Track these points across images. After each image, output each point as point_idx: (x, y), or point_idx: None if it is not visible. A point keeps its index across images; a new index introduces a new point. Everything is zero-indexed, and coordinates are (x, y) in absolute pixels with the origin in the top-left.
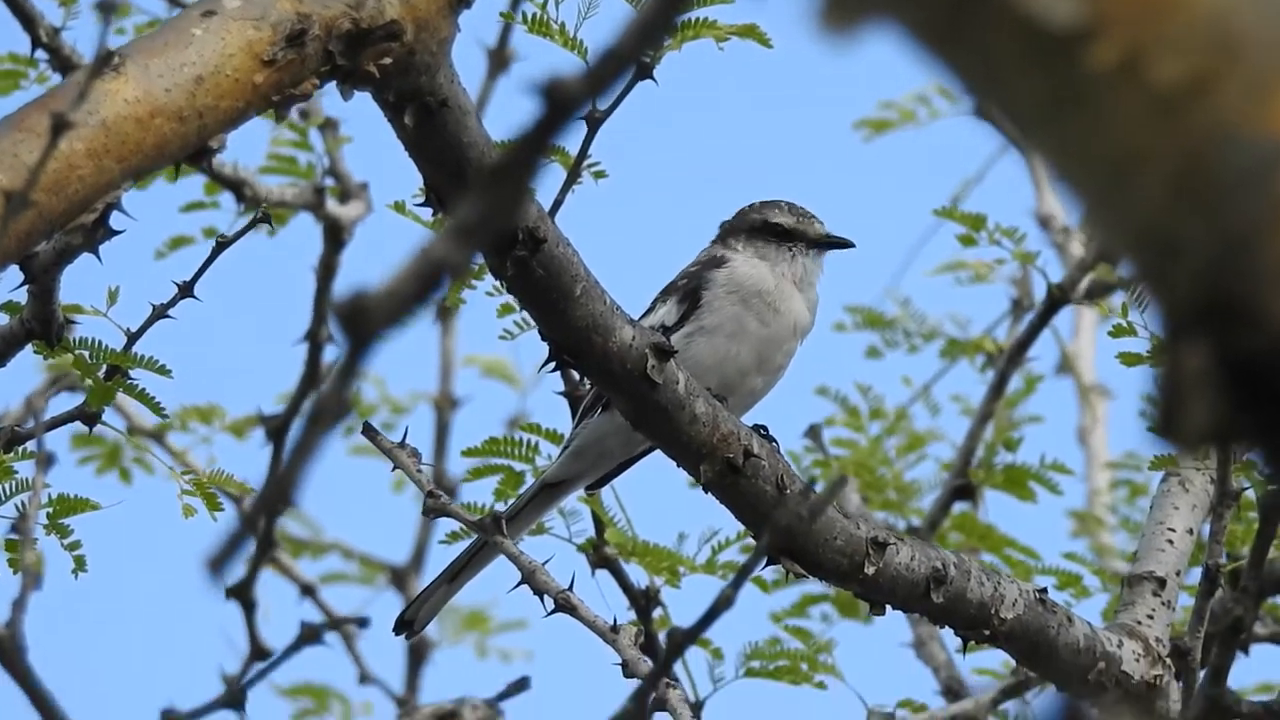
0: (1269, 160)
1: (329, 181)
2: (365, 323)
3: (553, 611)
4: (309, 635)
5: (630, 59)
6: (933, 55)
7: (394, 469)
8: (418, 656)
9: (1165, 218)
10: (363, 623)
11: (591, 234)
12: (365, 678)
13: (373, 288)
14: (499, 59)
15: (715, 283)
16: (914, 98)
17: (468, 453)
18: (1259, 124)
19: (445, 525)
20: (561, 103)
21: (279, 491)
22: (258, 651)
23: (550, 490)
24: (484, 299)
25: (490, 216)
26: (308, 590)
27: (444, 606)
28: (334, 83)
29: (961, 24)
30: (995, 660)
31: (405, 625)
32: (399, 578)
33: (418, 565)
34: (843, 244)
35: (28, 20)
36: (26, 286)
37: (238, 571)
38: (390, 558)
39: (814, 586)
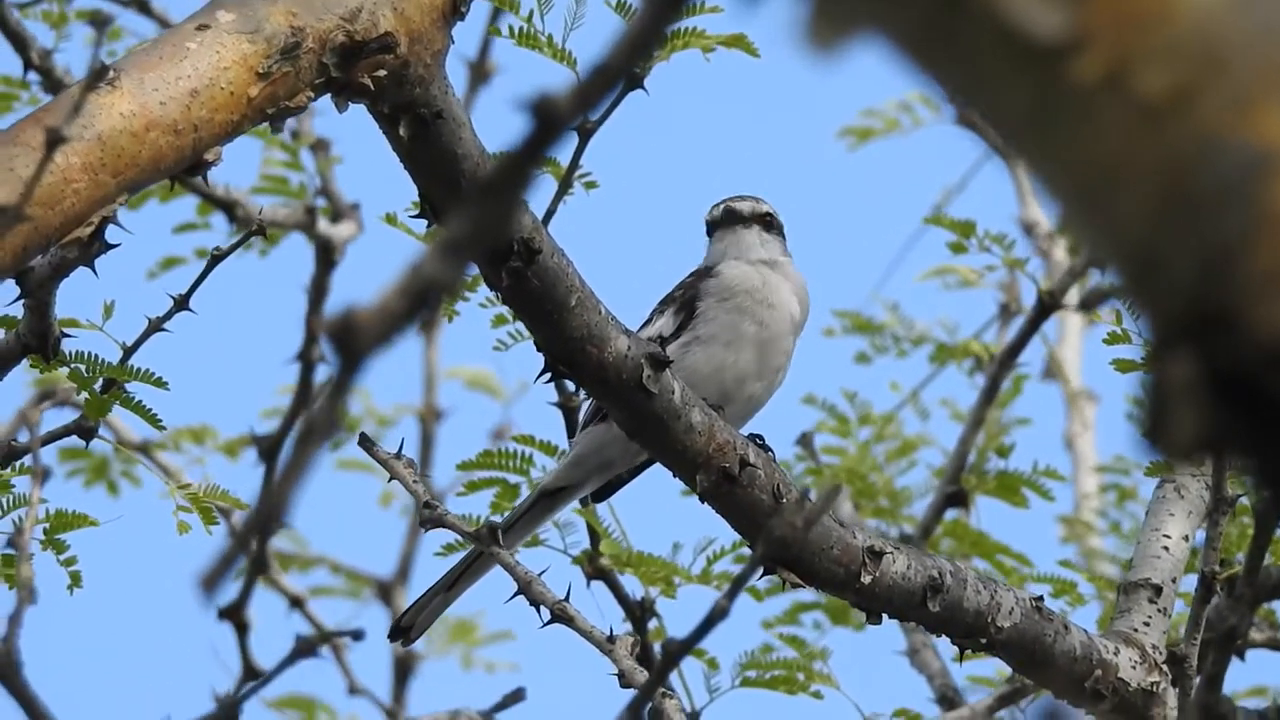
0: (1252, 170)
1: (320, 202)
2: (355, 341)
3: (549, 622)
4: (304, 649)
5: (620, 72)
6: (918, 66)
7: (390, 480)
8: (405, 668)
9: (1150, 228)
10: (357, 635)
11: (584, 244)
12: (354, 689)
13: (362, 306)
14: (479, 72)
15: (708, 292)
16: (897, 105)
17: (463, 466)
18: (1243, 134)
19: (432, 539)
20: (550, 119)
21: (270, 510)
22: (251, 672)
23: (548, 499)
24: (472, 311)
25: (480, 233)
26: (297, 602)
27: (440, 615)
28: (328, 96)
29: (946, 36)
30: (990, 668)
31: (401, 632)
32: (385, 591)
33: (404, 578)
34: (715, 221)
35: (19, 42)
36: (22, 301)
37: (230, 590)
38: (376, 571)
39: (806, 594)
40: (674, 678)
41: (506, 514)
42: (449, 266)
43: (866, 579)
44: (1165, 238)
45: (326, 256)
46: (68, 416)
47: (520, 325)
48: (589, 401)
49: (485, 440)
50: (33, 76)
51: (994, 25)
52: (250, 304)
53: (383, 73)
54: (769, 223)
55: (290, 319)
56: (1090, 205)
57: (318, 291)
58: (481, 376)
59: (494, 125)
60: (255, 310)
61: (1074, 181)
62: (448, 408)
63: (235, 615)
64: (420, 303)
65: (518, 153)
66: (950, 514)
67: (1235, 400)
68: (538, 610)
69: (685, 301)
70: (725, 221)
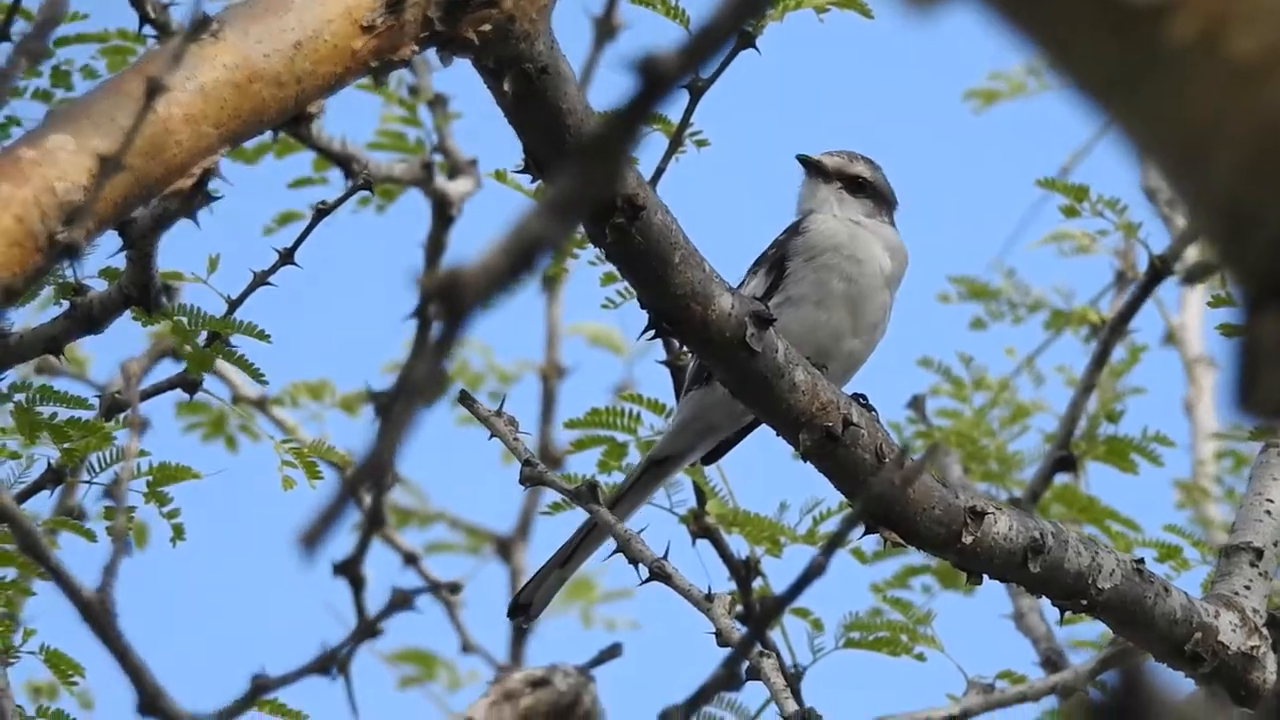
0: None
1: (438, 157)
2: (460, 299)
3: (647, 580)
4: (399, 601)
5: (725, 33)
6: (1012, 27)
7: (491, 438)
8: (520, 626)
9: (1242, 188)
10: (455, 588)
11: (694, 202)
12: (467, 646)
13: (467, 264)
14: (605, 27)
15: (796, 251)
16: (1024, 69)
17: (570, 424)
18: None
19: (550, 496)
20: (656, 78)
21: (373, 467)
22: (366, 627)
23: (657, 467)
24: (589, 268)
25: (584, 192)
26: (411, 559)
27: (558, 590)
28: (433, 49)
29: None
30: (1094, 632)
31: (520, 609)
32: (504, 547)
33: (524, 535)
34: (803, 161)
35: None
36: (125, 252)
37: (344, 545)
38: (496, 528)
39: (915, 558)
40: (777, 637)
41: (619, 484)
42: (553, 225)
43: (968, 539)
44: (1257, 197)
45: (443, 212)
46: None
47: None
48: (693, 364)
49: (607, 397)
50: (148, 30)
51: None
52: (369, 260)
53: (488, 27)
54: (858, 184)
55: (408, 275)
56: (1183, 166)
57: (434, 247)
58: (604, 333)
59: (620, 82)
60: (374, 266)
61: (1167, 143)
62: (570, 364)
63: (351, 570)
64: (524, 261)
65: (623, 111)
66: (1060, 479)
67: None
68: (636, 568)
69: (775, 261)
70: (807, 172)
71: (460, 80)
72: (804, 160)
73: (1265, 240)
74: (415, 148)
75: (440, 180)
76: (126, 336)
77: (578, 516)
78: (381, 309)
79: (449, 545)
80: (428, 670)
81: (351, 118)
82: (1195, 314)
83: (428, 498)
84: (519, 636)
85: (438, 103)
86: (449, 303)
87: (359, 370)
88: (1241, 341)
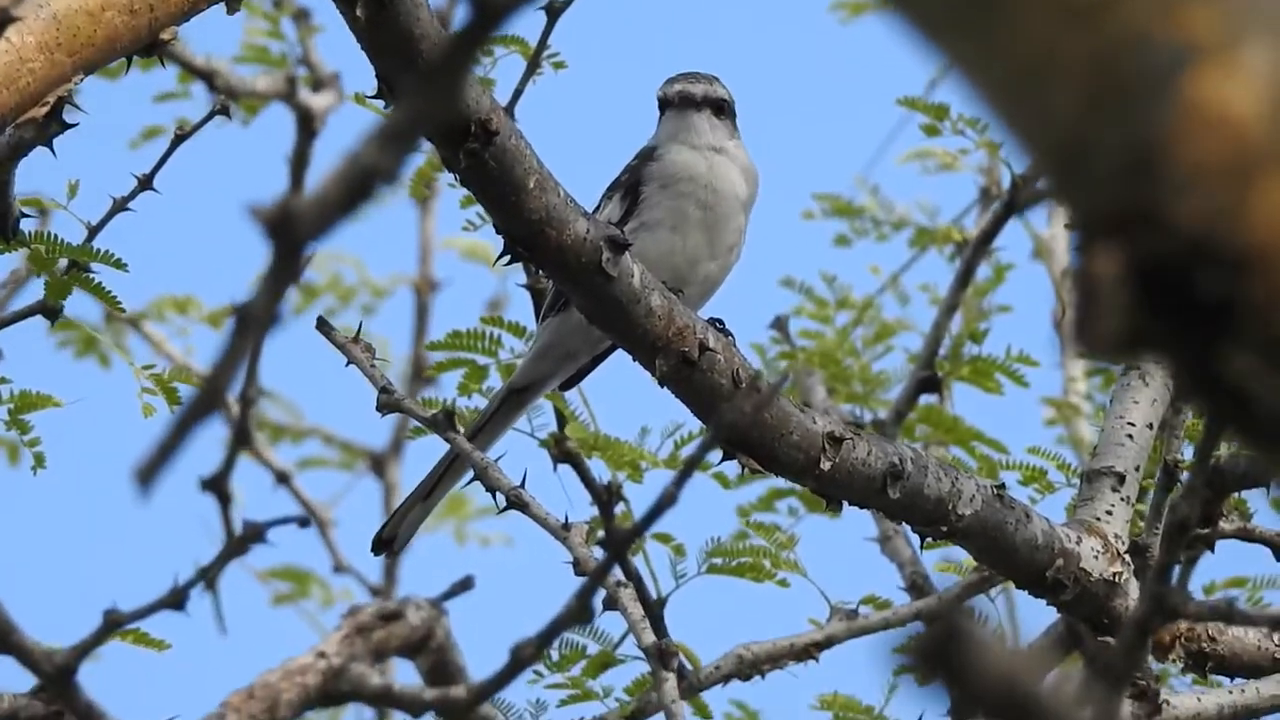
0: (1178, 64)
1: (301, 71)
2: (293, 231)
3: (505, 509)
4: (251, 535)
5: None
6: None
7: (347, 364)
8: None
9: (1076, 122)
10: (303, 523)
11: (556, 127)
12: (339, 567)
13: (300, 196)
14: None
15: (650, 177)
16: None
17: (432, 346)
18: (1170, 29)
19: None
20: (491, 7)
21: (209, 395)
22: (235, 545)
23: (518, 395)
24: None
25: (422, 118)
26: (282, 477)
27: (421, 523)
28: None
29: None
30: (962, 555)
31: (384, 544)
32: (378, 463)
33: (397, 451)
34: (666, 101)
35: None
36: None
37: (209, 460)
38: (370, 443)
39: (780, 481)
40: (640, 564)
41: (480, 409)
42: (388, 154)
43: (826, 465)
44: (1091, 131)
45: (307, 126)
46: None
47: None
48: (550, 292)
49: (482, 311)
50: None
51: None
52: (235, 174)
53: None
54: (721, 107)
55: (273, 189)
56: (1017, 100)
57: (298, 161)
58: (477, 247)
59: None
60: (240, 180)
61: (1001, 76)
62: (444, 279)
63: (218, 487)
64: (360, 192)
65: (458, 39)
66: (925, 400)
67: (1159, 297)
68: (494, 496)
69: (630, 187)
70: (678, 104)
71: None
72: (679, 97)
73: (1098, 177)
74: (279, 61)
75: (304, 94)
76: None
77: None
78: (245, 224)
79: (323, 461)
80: (301, 588)
81: (216, 32)
82: (1062, 229)
83: (302, 414)
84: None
85: (301, 16)
86: (283, 234)
87: (226, 286)
88: (1077, 277)
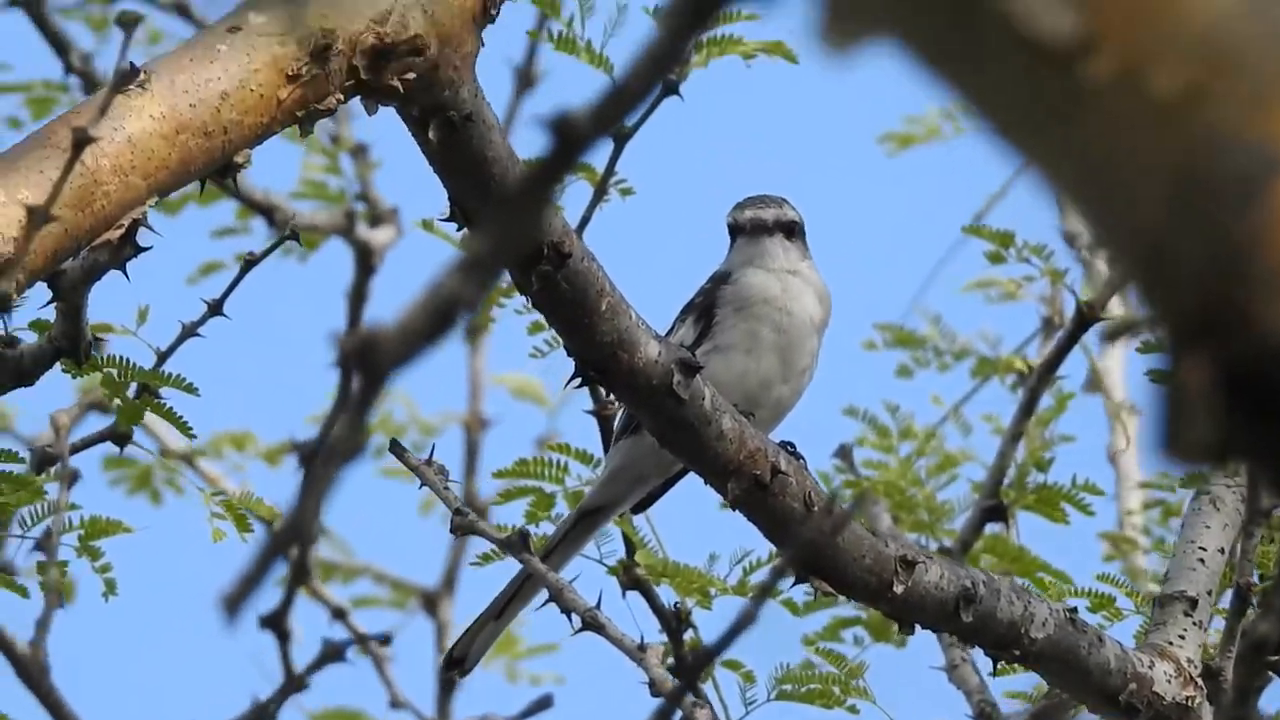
0: (1263, 170)
1: (360, 206)
2: (377, 360)
3: (580, 630)
4: (331, 654)
5: (640, 92)
6: (929, 70)
7: (421, 487)
8: (448, 681)
9: (1163, 228)
10: (386, 640)
11: (620, 250)
12: (396, 703)
13: (384, 325)
14: (526, 78)
15: (725, 300)
16: (940, 113)
17: (498, 474)
18: (1254, 135)
19: (479, 546)
20: (570, 138)
21: (297, 526)
22: (292, 680)
23: (589, 518)
24: (513, 318)
25: (502, 249)
26: (339, 613)
27: (493, 643)
28: (358, 98)
29: (959, 38)
30: (1028, 684)
31: (455, 663)
32: (430, 601)
33: (450, 588)
34: (738, 228)
35: (60, 45)
36: (54, 304)
37: (265, 597)
38: (422, 581)
39: (846, 610)
40: (710, 690)
41: (550, 534)
42: (470, 283)
43: (899, 588)
44: (1178, 237)
45: (366, 261)
46: (110, 423)
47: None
48: (621, 414)
49: (531, 449)
50: (73, 80)
51: (1006, 26)
52: (291, 309)
53: (412, 75)
54: (792, 230)
55: (331, 324)
56: (1103, 206)
57: (357, 296)
58: (527, 384)
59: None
60: (296, 315)
61: (1086, 183)
62: (493, 416)
63: (277, 623)
64: (443, 321)
65: (539, 169)
66: (990, 529)
67: (1249, 404)
68: (569, 618)
69: (703, 309)
70: (749, 230)
71: (381, 128)
72: (751, 223)
73: (1185, 277)
74: (337, 197)
75: (362, 229)
76: (55, 390)
77: (507, 568)
78: (304, 359)
79: (375, 600)
80: None
81: (274, 166)
82: (1119, 359)
83: (352, 551)
84: (446, 692)
85: (359, 152)
86: (366, 364)
87: (282, 421)
88: (1164, 386)
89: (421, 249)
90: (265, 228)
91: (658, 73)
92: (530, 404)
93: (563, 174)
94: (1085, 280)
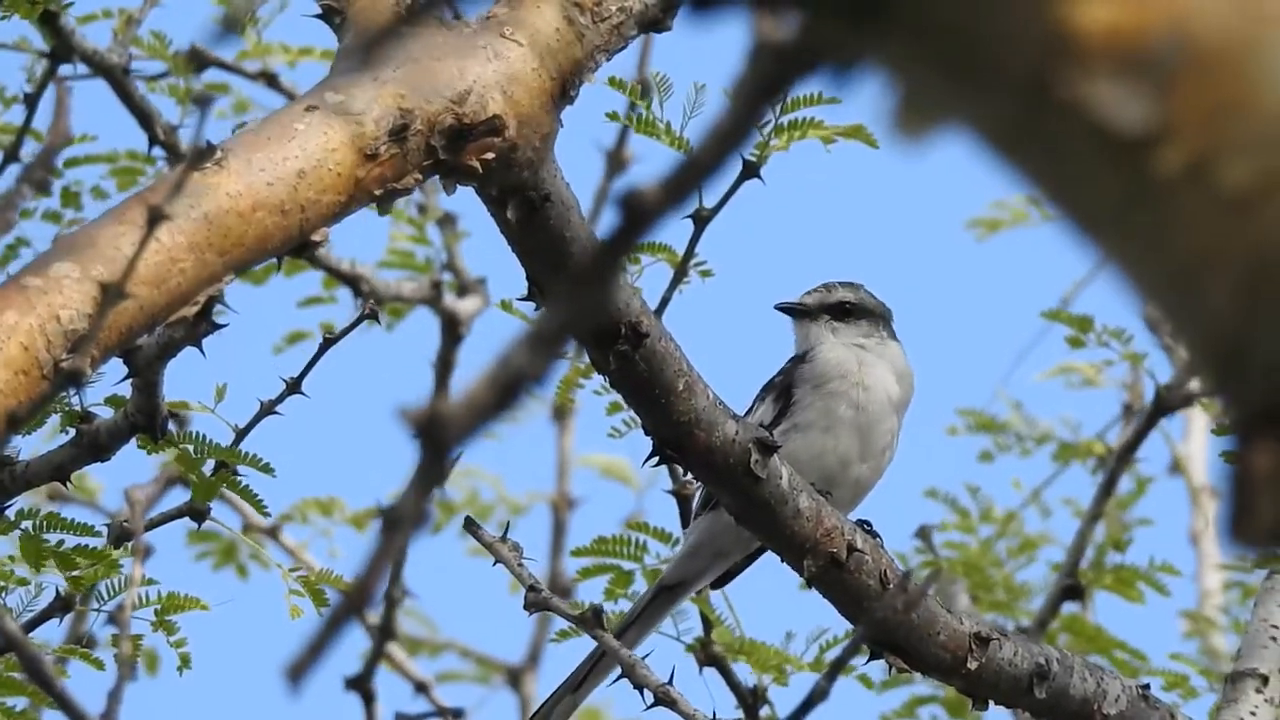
0: None
1: (446, 276)
2: (442, 433)
3: (652, 705)
4: None
5: (709, 167)
6: (1001, 159)
7: (495, 564)
8: None
9: (1235, 318)
10: (458, 714)
11: (701, 331)
12: None
13: (449, 398)
14: (616, 161)
15: (802, 378)
16: (1026, 198)
17: (577, 552)
18: None
19: (560, 624)
20: (638, 212)
21: (360, 594)
22: None
23: (668, 593)
24: (595, 398)
25: (570, 323)
26: (422, 687)
27: (570, 715)
28: (436, 177)
29: (1029, 128)
30: None
31: None
32: (514, 677)
33: (534, 664)
34: (786, 309)
35: (145, 117)
36: (130, 380)
37: (348, 663)
38: (506, 657)
39: (921, 688)
40: None
41: (628, 610)
42: (538, 357)
43: (973, 665)
44: (1249, 326)
45: (452, 331)
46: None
47: (633, 413)
48: (701, 491)
49: (618, 528)
50: (158, 151)
51: (1078, 118)
52: (379, 377)
53: (491, 155)
54: (844, 310)
55: (418, 393)
56: (1175, 296)
57: (443, 366)
58: (615, 465)
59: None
60: (384, 383)
61: (1159, 274)
62: (580, 496)
63: (362, 686)
64: (508, 394)
65: (608, 243)
66: (1068, 609)
67: None
68: (640, 693)
69: (782, 389)
70: (794, 318)
71: (469, 200)
72: (785, 309)
73: (1258, 370)
74: (424, 266)
75: (449, 299)
76: (136, 464)
77: (586, 644)
78: (391, 426)
79: (459, 675)
80: None
81: (361, 235)
82: (1200, 444)
83: (438, 627)
84: None
85: (446, 221)
86: (431, 436)
87: (369, 488)
88: (1235, 470)
89: (509, 319)
90: (350, 297)
91: (727, 147)
92: (617, 483)
93: (631, 247)
94: (1168, 364)
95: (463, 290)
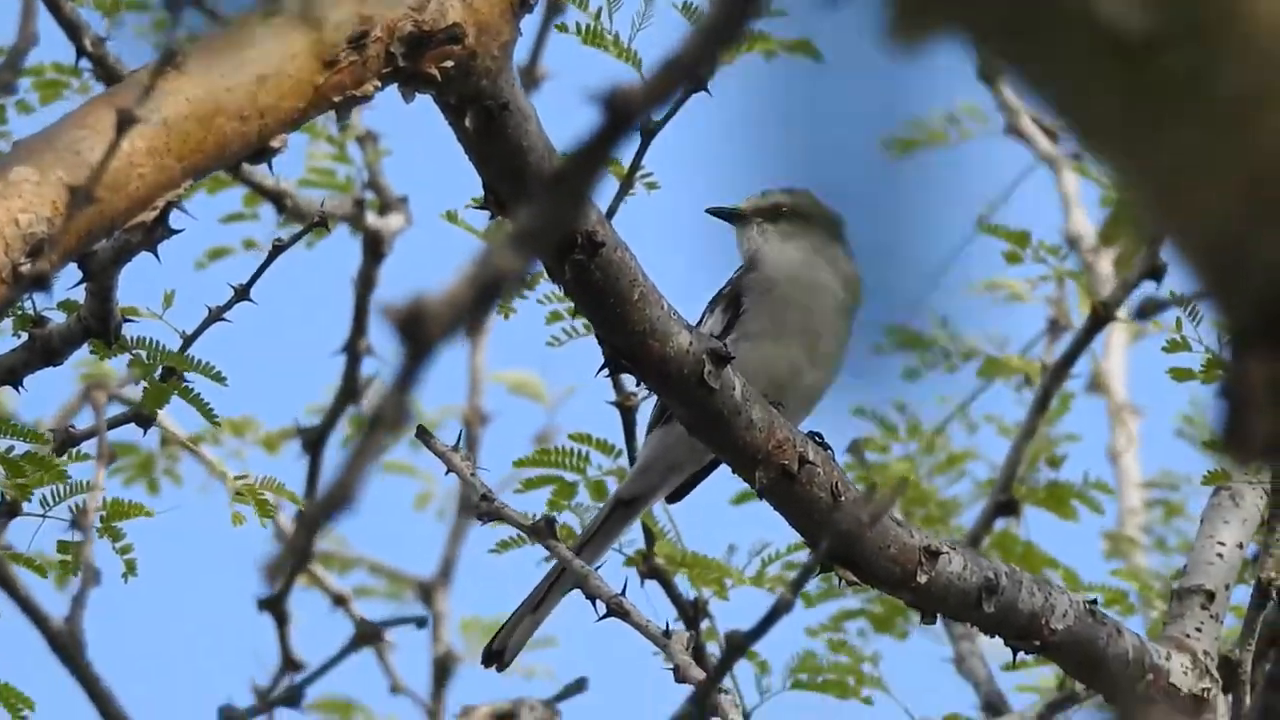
0: None
1: (368, 194)
2: (424, 330)
3: (605, 616)
4: (365, 636)
5: (695, 68)
6: (1000, 64)
7: (447, 473)
8: (443, 670)
9: (1234, 225)
10: (421, 622)
11: (642, 245)
12: (396, 688)
13: (431, 295)
14: (530, 76)
15: (750, 286)
16: (944, 118)
17: (519, 463)
18: None
19: (477, 538)
20: (623, 111)
21: (337, 498)
22: (289, 663)
23: (625, 508)
24: (518, 315)
25: (549, 225)
26: (340, 600)
27: (531, 635)
28: (395, 85)
29: (1031, 32)
30: (1036, 677)
31: (494, 656)
32: (426, 592)
33: (446, 579)
34: (716, 212)
35: (73, 29)
36: (84, 285)
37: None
38: (416, 572)
39: (849, 601)
40: (726, 678)
41: (574, 523)
42: (518, 257)
43: (922, 578)
44: (1249, 235)
45: (375, 249)
46: (119, 410)
47: (573, 323)
48: (656, 405)
49: (529, 445)
50: (85, 64)
51: (1081, 21)
52: (297, 296)
53: (450, 63)
54: (779, 213)
55: (337, 311)
56: (1174, 202)
57: (365, 284)
58: (526, 381)
59: (551, 127)
60: (302, 302)
61: (1158, 178)
62: (492, 412)
63: (275, 607)
64: (489, 293)
65: (590, 144)
66: (999, 525)
67: None
68: (594, 604)
69: (731, 298)
70: (728, 220)
71: (389, 117)
72: (715, 212)
73: (1254, 281)
74: (345, 185)
75: (371, 217)
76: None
77: (525, 555)
78: (308, 346)
79: (371, 590)
80: (345, 717)
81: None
82: (1119, 361)
83: (347, 543)
84: (440, 682)
85: (367, 139)
86: (413, 334)
87: (283, 407)
88: (1228, 382)
89: (431, 238)
90: (274, 214)
91: (715, 45)
92: (528, 400)
93: (613, 147)
94: (1089, 282)
95: (384, 209)
